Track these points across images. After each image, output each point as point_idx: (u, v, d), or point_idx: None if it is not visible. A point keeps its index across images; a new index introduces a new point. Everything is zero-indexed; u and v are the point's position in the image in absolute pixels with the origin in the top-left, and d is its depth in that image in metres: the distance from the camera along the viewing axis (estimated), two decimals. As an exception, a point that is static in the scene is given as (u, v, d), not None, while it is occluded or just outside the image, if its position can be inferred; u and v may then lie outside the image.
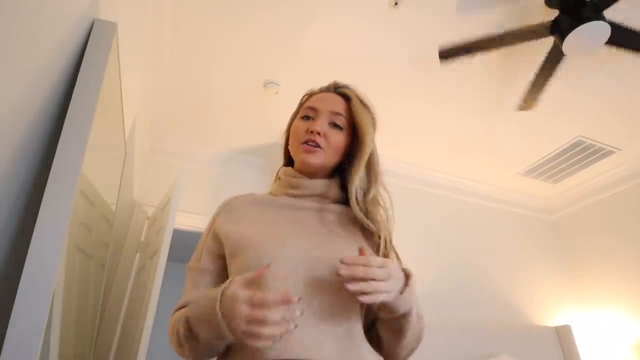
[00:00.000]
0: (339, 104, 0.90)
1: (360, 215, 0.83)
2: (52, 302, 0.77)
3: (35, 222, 0.76)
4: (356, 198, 0.84)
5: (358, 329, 0.72)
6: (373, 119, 0.92)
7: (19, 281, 0.72)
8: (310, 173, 0.89)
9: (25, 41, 0.70)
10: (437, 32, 2.09)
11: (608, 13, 1.78)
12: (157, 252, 1.97)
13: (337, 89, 0.94)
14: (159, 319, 2.13)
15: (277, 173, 0.97)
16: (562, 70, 2.17)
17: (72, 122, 0.86)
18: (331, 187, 0.89)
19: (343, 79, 0.98)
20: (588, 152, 3.07)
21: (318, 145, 0.85)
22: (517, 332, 2.87)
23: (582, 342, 2.99)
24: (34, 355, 0.70)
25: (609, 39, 1.79)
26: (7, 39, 0.64)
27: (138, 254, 2.50)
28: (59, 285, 0.91)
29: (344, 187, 0.90)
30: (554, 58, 1.96)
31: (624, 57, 2.22)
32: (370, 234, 0.85)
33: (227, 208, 0.89)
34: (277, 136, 2.97)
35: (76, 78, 0.91)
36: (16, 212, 0.78)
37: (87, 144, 0.86)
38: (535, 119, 2.72)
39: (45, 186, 0.79)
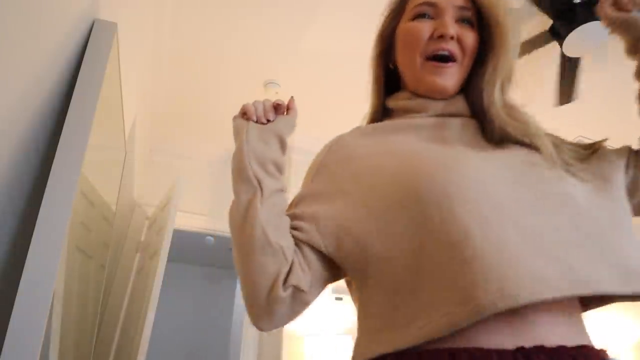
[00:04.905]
0: None
1: (510, 124, 0.60)
2: (52, 302, 0.77)
3: (35, 222, 0.76)
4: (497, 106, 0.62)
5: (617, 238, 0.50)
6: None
7: (19, 281, 0.72)
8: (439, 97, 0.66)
9: (25, 41, 0.70)
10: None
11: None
12: (157, 252, 1.97)
13: None
14: (159, 319, 2.12)
15: (372, 112, 0.76)
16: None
17: (72, 122, 0.86)
18: (460, 103, 0.66)
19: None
20: (588, 152, 3.07)
21: (451, 58, 0.63)
22: (517, 332, 2.87)
23: (582, 342, 2.99)
24: (34, 355, 0.71)
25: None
26: (7, 39, 0.64)
27: (138, 254, 2.50)
28: (59, 285, 0.91)
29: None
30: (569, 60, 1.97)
31: (624, 57, 2.21)
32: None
33: (336, 147, 0.66)
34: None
35: (76, 78, 0.91)
36: (16, 212, 0.78)
37: (87, 144, 0.86)
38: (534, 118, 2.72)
39: (45, 186, 0.79)
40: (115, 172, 1.56)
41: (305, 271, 0.57)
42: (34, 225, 0.76)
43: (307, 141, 2.94)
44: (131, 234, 2.50)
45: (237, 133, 0.66)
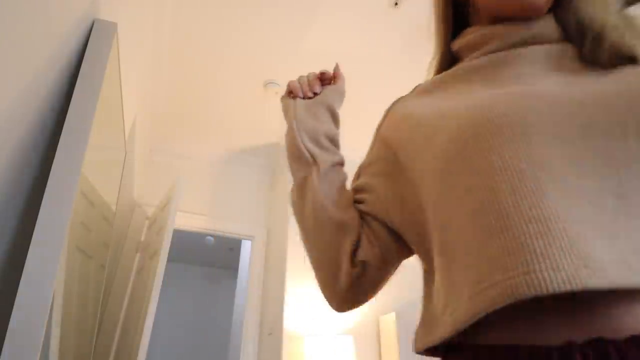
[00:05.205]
0: None
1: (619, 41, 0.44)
2: (52, 302, 0.77)
3: (35, 222, 0.76)
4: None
5: None
6: None
7: (19, 281, 0.72)
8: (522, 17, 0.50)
9: (25, 41, 0.70)
10: (437, 32, 2.09)
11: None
12: (157, 252, 1.97)
13: None
14: (159, 319, 2.12)
15: (437, 61, 0.64)
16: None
17: (72, 122, 0.86)
18: (547, 25, 0.50)
19: None
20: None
21: None
22: (517, 332, 2.87)
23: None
24: (34, 355, 0.70)
25: None
26: (7, 39, 0.64)
27: (138, 254, 2.50)
28: (59, 285, 0.91)
29: None
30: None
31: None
32: None
33: (391, 111, 0.58)
34: (277, 136, 2.97)
35: (76, 78, 0.91)
36: (16, 212, 0.78)
37: (87, 144, 0.86)
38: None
39: (45, 186, 0.79)
40: (115, 172, 1.56)
41: (375, 245, 0.53)
42: (34, 225, 0.76)
43: (307, 141, 2.94)
44: (131, 234, 2.50)
45: (286, 112, 0.65)
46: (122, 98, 1.34)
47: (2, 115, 0.66)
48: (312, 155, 0.57)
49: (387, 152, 0.54)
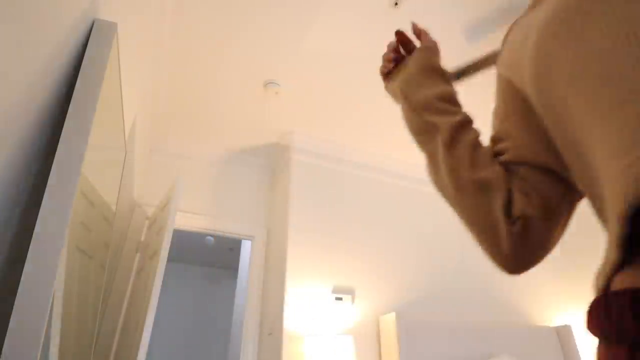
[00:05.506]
0: None
1: None
2: (52, 302, 0.77)
3: (35, 222, 0.76)
4: None
5: None
6: None
7: (19, 281, 0.72)
8: None
9: (25, 41, 0.70)
10: (437, 32, 2.09)
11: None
12: (157, 252, 1.97)
13: None
14: (159, 319, 2.12)
15: None
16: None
17: (72, 122, 0.86)
18: None
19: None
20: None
21: None
22: (517, 332, 2.87)
23: (582, 342, 2.99)
24: (34, 355, 0.70)
25: None
26: (7, 39, 0.64)
27: (138, 254, 2.50)
28: (59, 285, 0.91)
29: None
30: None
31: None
32: None
33: (504, 42, 0.52)
34: (277, 136, 2.97)
35: (76, 78, 0.91)
36: (16, 212, 0.78)
37: (87, 144, 0.86)
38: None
39: (45, 186, 0.79)
40: (115, 172, 1.56)
41: (530, 194, 0.47)
42: (34, 225, 0.76)
43: (307, 141, 2.94)
44: (131, 234, 2.50)
45: (394, 96, 0.64)
46: (122, 98, 1.34)
47: (2, 115, 0.66)
48: (432, 124, 0.54)
49: (507, 87, 0.49)
